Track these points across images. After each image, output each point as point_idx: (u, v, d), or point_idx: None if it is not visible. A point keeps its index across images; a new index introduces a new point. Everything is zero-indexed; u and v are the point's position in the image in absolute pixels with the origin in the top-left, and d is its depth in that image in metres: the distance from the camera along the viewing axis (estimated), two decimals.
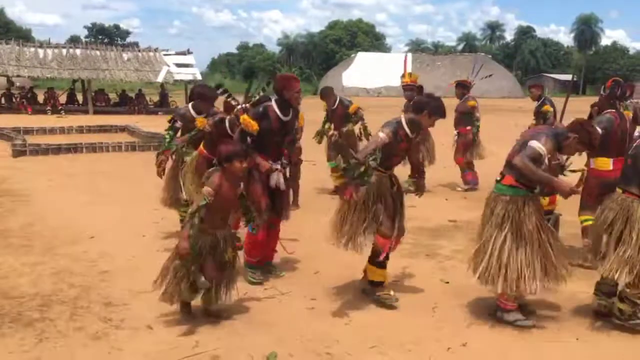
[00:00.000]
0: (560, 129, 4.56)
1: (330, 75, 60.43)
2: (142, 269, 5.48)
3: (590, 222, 5.85)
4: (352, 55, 60.34)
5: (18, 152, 12.54)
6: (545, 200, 6.11)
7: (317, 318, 4.46)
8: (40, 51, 26.56)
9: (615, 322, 4.31)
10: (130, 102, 27.03)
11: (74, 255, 5.87)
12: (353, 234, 4.57)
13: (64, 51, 26.96)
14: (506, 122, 19.03)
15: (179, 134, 6.32)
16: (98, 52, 27.53)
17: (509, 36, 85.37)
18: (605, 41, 76.20)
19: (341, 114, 8.77)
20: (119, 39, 78.34)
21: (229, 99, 5.50)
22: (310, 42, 76.08)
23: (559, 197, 5.95)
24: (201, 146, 6.02)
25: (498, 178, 4.37)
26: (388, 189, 4.69)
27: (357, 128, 8.83)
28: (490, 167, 7.17)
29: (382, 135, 4.56)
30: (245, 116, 4.93)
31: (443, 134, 9.56)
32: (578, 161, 4.83)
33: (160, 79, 27.02)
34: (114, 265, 5.59)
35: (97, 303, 4.67)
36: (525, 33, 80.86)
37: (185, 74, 27.55)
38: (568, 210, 6.38)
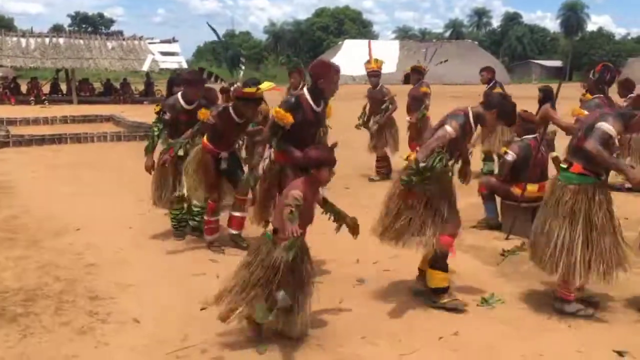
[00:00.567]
0: (624, 109, 4.40)
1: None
2: (129, 262, 5.44)
3: None
4: (339, 42, 60.13)
5: (1, 144, 12.34)
6: (534, 188, 6.10)
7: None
8: (23, 40, 26.14)
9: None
10: (115, 91, 26.73)
11: (59, 248, 5.77)
12: (406, 232, 4.21)
13: (47, 40, 26.54)
14: None
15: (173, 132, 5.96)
16: (82, 41, 27.14)
17: (495, 23, 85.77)
18: (591, 27, 76.58)
19: None
20: (103, 28, 77.60)
21: (220, 82, 5.39)
22: (297, 30, 75.73)
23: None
24: (204, 139, 5.66)
25: (564, 166, 4.20)
26: (452, 185, 4.33)
27: None
28: None
29: (449, 129, 4.13)
30: (278, 108, 4.53)
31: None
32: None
33: (145, 67, 26.71)
34: (101, 258, 5.50)
35: (83, 297, 4.58)
36: (512, 19, 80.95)
37: (170, 63, 27.25)
38: None
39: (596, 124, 4.02)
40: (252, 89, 5.18)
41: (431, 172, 4.02)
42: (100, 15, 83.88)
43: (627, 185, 8.22)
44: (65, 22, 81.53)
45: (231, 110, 5.41)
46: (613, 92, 7.41)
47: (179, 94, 5.92)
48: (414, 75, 9.51)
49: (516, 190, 6.14)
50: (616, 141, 4.05)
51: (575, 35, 72.84)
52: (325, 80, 4.57)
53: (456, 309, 4.32)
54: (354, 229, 4.03)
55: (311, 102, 4.64)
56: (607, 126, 3.98)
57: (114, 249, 5.77)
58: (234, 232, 5.80)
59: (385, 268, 5.24)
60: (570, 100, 8.18)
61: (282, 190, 4.38)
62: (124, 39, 28.66)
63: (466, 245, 5.93)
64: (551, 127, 9.52)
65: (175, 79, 6.73)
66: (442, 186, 4.20)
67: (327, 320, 4.22)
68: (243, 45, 72.93)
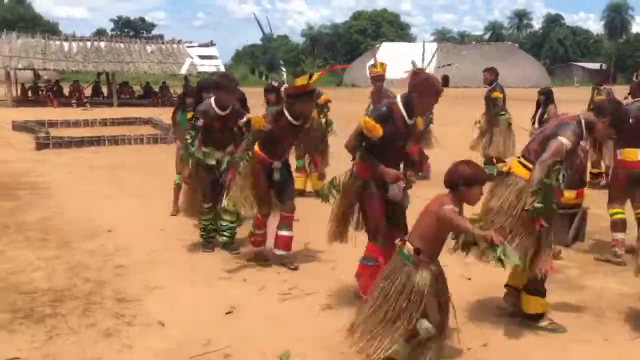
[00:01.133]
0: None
1: (355, 66, 60.03)
2: (158, 264, 5.45)
3: (620, 216, 5.63)
4: (377, 45, 59.88)
5: (41, 145, 12.63)
6: (572, 194, 5.89)
7: (333, 316, 4.32)
8: (66, 44, 26.83)
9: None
10: (154, 94, 27.17)
11: (90, 250, 5.83)
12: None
13: (89, 44, 27.20)
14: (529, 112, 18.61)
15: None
16: (122, 45, 27.71)
17: (536, 24, 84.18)
18: (635, 28, 74.59)
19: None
20: (144, 32, 78.95)
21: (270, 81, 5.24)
22: (334, 33, 75.80)
23: (587, 191, 5.74)
24: (256, 148, 5.24)
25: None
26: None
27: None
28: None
29: (564, 140, 3.83)
30: (368, 119, 4.03)
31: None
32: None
33: (183, 71, 27.08)
34: (130, 260, 5.53)
35: (111, 298, 4.60)
36: (553, 21, 79.42)
37: (208, 66, 27.56)
38: (596, 203, 6.15)
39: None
40: (304, 80, 4.86)
41: (552, 191, 3.71)
42: (142, 20, 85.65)
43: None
44: (109, 26, 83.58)
45: (286, 112, 5.05)
46: None
47: (212, 100, 5.54)
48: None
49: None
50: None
51: (619, 37, 70.94)
52: (421, 97, 4.08)
53: (555, 332, 4.07)
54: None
55: (404, 113, 4.13)
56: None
57: (145, 251, 5.79)
58: (281, 252, 5.29)
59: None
60: None
61: (363, 207, 4.28)
62: (163, 43, 29.13)
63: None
64: None
65: (204, 84, 6.49)
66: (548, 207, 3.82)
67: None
68: (280, 48, 73.39)
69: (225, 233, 5.74)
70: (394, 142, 4.16)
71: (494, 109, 9.18)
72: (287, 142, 5.29)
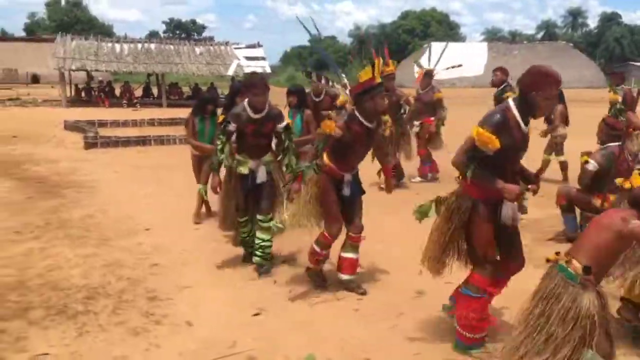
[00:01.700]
0: None
1: (402, 67, 59.51)
2: (190, 264, 5.49)
3: None
4: (425, 45, 59.26)
5: (89, 145, 12.97)
6: (598, 201, 5.66)
7: (361, 320, 4.25)
8: (117, 46, 27.47)
9: None
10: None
11: (127, 248, 5.92)
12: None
13: (139, 46, 27.77)
14: (583, 113, 18.05)
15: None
16: (171, 47, 28.19)
17: (592, 23, 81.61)
18: None
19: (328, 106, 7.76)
20: (195, 34, 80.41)
21: (332, 85, 4.90)
22: (382, 33, 75.33)
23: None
24: (325, 158, 4.60)
25: None
26: None
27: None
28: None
29: None
30: (482, 130, 3.43)
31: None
32: None
33: (230, 72, 27.37)
34: (165, 259, 5.59)
35: (142, 297, 4.65)
36: (610, 19, 76.80)
37: (255, 67, 27.74)
38: None
39: None
40: (368, 73, 4.40)
41: None
42: (193, 22, 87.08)
43: None
44: (160, 28, 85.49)
45: (357, 114, 4.49)
46: None
47: (246, 102, 5.07)
48: (425, 80, 9.10)
49: (597, 202, 5.69)
50: None
51: None
52: (544, 92, 3.46)
53: None
54: None
55: (519, 119, 3.55)
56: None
57: (179, 250, 5.85)
58: (346, 277, 4.76)
59: (449, 280, 4.97)
60: None
61: (469, 232, 3.68)
62: (211, 45, 29.54)
63: (540, 259, 5.54)
64: (561, 131, 9.10)
65: (238, 86, 6.16)
66: None
67: (382, 333, 4.05)
68: (328, 49, 73.47)
69: (258, 252, 5.18)
70: (511, 154, 3.58)
71: None
72: (360, 150, 4.67)
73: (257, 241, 5.18)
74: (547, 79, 3.47)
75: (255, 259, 5.22)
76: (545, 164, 9.22)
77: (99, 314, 4.31)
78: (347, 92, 4.41)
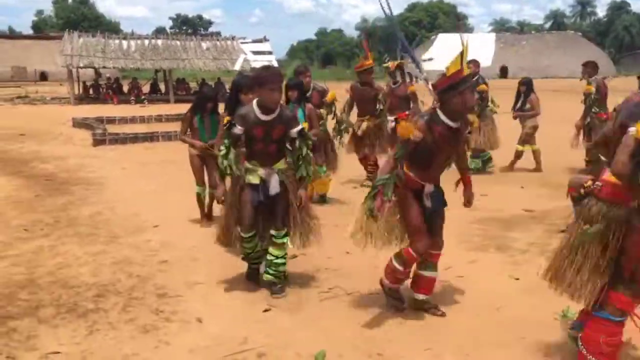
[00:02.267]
0: None
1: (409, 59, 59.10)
2: (200, 260, 5.47)
3: None
4: (432, 37, 59.00)
5: (98, 142, 13.00)
6: None
7: (372, 317, 4.21)
8: (124, 43, 27.55)
9: None
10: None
11: (136, 245, 5.91)
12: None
13: (146, 42, 27.85)
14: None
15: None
16: (178, 43, 28.26)
17: (600, 12, 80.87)
18: None
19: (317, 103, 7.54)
20: (202, 29, 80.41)
21: (415, 81, 4.09)
22: (389, 26, 75.00)
23: None
24: (404, 167, 4.02)
25: None
26: None
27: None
28: None
29: None
30: None
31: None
32: None
33: (237, 67, 27.36)
34: (174, 255, 5.57)
35: (152, 294, 4.64)
36: (619, 8, 76.09)
37: (261, 62, 27.69)
38: None
39: None
40: (456, 65, 3.79)
41: None
42: (200, 17, 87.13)
43: None
44: (167, 24, 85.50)
45: (440, 114, 3.88)
46: None
47: (255, 101, 4.45)
48: (398, 72, 8.75)
49: None
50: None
51: None
52: None
53: None
54: None
55: None
56: None
57: (188, 246, 5.83)
58: (421, 297, 4.26)
59: (459, 274, 4.94)
60: None
61: (622, 248, 3.10)
62: (217, 40, 29.54)
63: (552, 251, 5.48)
64: (532, 122, 9.30)
65: (241, 81, 5.33)
66: None
67: (393, 328, 4.02)
68: (335, 42, 73.35)
69: (270, 269, 4.60)
70: None
71: (482, 102, 9.19)
72: (443, 156, 4.04)
73: (269, 257, 4.60)
74: None
75: (267, 276, 4.63)
76: (519, 155, 9.60)
77: (108, 311, 4.30)
78: (430, 87, 3.78)
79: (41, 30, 64.45)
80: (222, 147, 4.49)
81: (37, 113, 20.15)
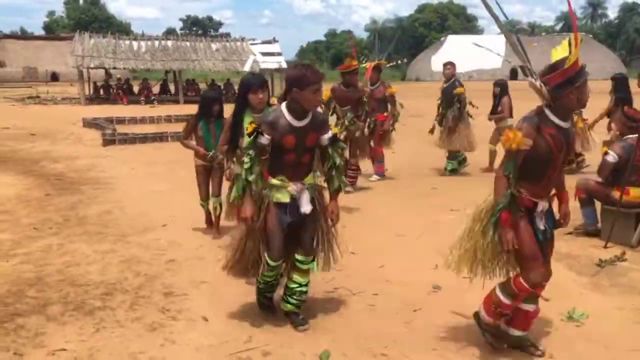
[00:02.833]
0: None
1: (419, 60, 59.19)
2: (207, 259, 5.50)
3: None
4: (442, 38, 58.91)
5: (107, 142, 13.09)
6: (638, 192, 5.58)
7: (377, 316, 4.23)
8: (135, 44, 27.71)
9: None
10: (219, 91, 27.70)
11: (144, 244, 5.95)
12: None
13: (157, 43, 27.98)
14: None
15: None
16: (188, 44, 28.38)
17: (612, 14, 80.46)
18: None
19: None
20: (212, 30, 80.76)
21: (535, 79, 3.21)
22: (399, 27, 74.98)
23: None
24: (512, 189, 3.36)
25: None
26: None
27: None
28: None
29: None
30: None
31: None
32: None
33: (247, 68, 27.40)
34: (181, 254, 5.61)
35: (159, 293, 4.67)
36: (630, 10, 75.63)
37: (271, 63, 27.83)
38: None
39: None
40: (564, 51, 3.34)
41: None
42: (210, 18, 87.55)
43: None
44: (178, 25, 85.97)
45: (549, 114, 3.33)
46: None
47: (284, 106, 3.86)
48: (375, 74, 8.58)
49: (616, 194, 5.61)
50: None
51: None
52: None
53: None
54: None
55: None
56: None
57: (195, 246, 5.87)
58: (517, 333, 3.67)
59: (465, 275, 4.92)
60: None
61: None
62: (227, 41, 29.65)
63: (560, 253, 5.47)
64: (504, 124, 9.30)
65: (251, 80, 4.78)
66: None
67: (398, 329, 4.03)
68: (344, 44, 73.30)
69: (292, 298, 4.05)
70: None
71: (460, 105, 9.18)
72: (556, 164, 3.40)
73: (291, 285, 4.04)
74: None
75: (287, 306, 4.08)
76: (493, 155, 9.67)
77: (116, 309, 4.34)
78: (539, 84, 3.26)
79: (52, 31, 64.94)
80: (246, 160, 3.82)
81: (47, 113, 20.30)
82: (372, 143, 8.66)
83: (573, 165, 9.17)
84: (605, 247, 5.60)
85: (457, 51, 53.22)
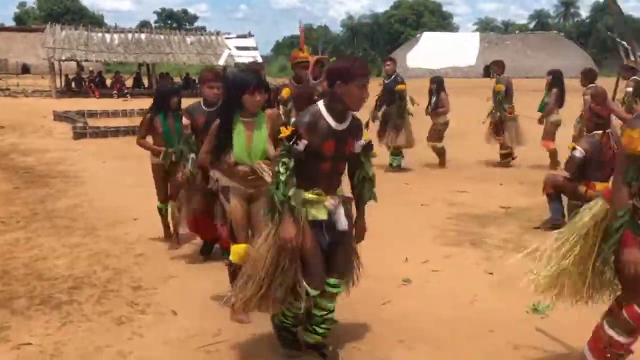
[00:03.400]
0: None
1: (394, 57, 59.21)
2: (176, 253, 5.48)
3: None
4: (417, 35, 59.17)
5: (78, 135, 12.92)
6: (584, 188, 5.71)
7: (347, 309, 4.22)
8: (108, 36, 27.31)
9: None
10: (193, 85, 27.45)
11: (113, 237, 5.90)
12: None
13: (130, 36, 27.63)
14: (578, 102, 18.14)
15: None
16: (162, 37, 28.07)
17: (584, 13, 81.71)
18: None
19: None
20: (186, 24, 79.92)
21: None
22: (374, 23, 75.20)
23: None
24: (634, 201, 2.82)
25: None
26: None
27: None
28: None
29: None
30: None
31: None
32: None
33: (221, 62, 27.27)
34: (150, 248, 5.58)
35: (127, 287, 4.64)
36: (602, 9, 76.82)
37: (246, 57, 27.63)
38: None
39: None
40: None
41: None
42: (185, 12, 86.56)
43: None
44: (152, 18, 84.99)
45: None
46: None
47: (321, 104, 3.26)
48: (317, 69, 7.39)
49: (583, 189, 5.71)
50: None
51: None
52: None
53: None
54: None
55: None
56: None
57: (164, 240, 5.82)
58: None
59: (435, 268, 4.99)
60: None
61: None
62: (202, 34, 29.43)
63: (527, 247, 5.56)
64: (442, 119, 9.58)
65: (248, 78, 3.74)
66: None
67: (368, 321, 4.05)
68: (320, 39, 73.27)
69: (320, 327, 3.46)
70: None
71: (402, 102, 9.34)
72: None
73: (319, 313, 3.42)
74: None
75: (315, 337, 3.49)
76: (437, 150, 9.91)
77: (83, 303, 4.30)
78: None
79: (23, 22, 63.67)
80: (282, 170, 3.13)
81: (17, 106, 19.90)
82: None
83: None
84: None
85: (432, 48, 53.78)
